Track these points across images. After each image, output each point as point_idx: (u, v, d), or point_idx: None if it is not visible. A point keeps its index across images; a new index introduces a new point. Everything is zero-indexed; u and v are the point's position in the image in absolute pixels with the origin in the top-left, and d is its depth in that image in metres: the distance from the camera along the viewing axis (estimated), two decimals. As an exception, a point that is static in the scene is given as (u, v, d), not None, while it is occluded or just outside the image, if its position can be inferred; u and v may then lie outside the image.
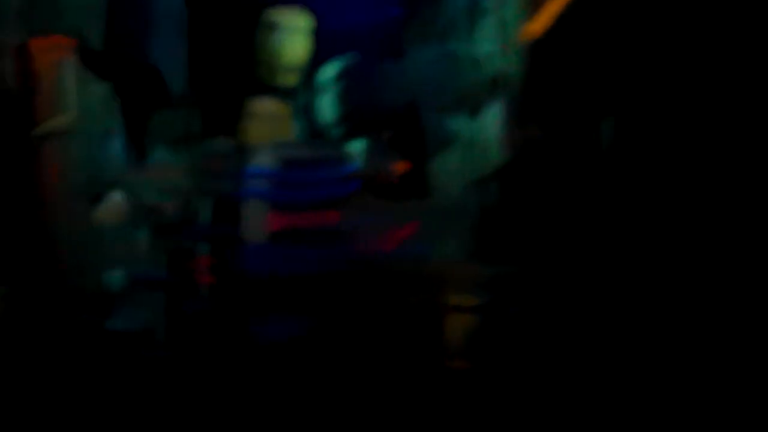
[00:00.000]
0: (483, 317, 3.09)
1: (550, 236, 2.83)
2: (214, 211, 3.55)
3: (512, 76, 3.02)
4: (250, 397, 2.93)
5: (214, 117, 3.92)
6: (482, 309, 3.11)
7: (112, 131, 3.13)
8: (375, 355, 2.99)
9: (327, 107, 3.95)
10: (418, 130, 3.97)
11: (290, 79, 4.04)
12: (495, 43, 3.18)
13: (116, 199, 3.10)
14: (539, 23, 2.72)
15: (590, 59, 2.42)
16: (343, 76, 3.92)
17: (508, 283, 3.03)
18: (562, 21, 2.59)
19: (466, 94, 3.63)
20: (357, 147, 3.82)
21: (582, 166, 2.55)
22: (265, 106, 4.00)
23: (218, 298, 3.26)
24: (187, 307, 3.27)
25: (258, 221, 3.10)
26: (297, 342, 3.01)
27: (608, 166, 2.39)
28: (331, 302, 3.05)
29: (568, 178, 2.66)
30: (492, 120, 3.23)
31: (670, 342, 2.19)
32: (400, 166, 3.86)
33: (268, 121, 3.98)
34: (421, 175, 3.88)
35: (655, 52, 2.13)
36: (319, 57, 4.03)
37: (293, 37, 4.02)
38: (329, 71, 3.96)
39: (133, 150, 3.41)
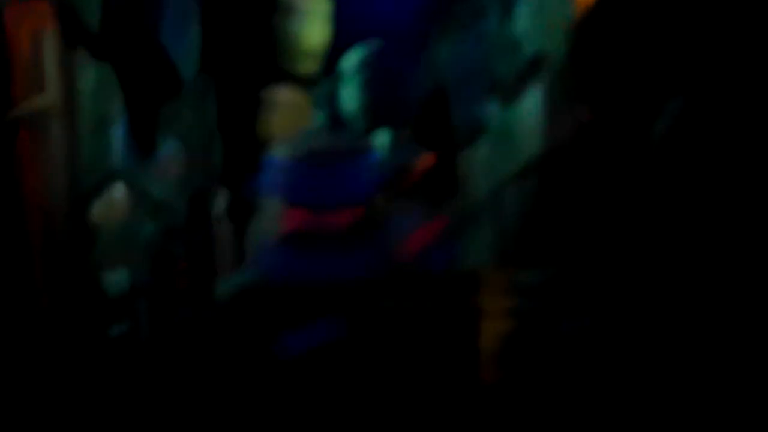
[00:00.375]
0: (518, 325, 2.94)
1: (595, 237, 2.65)
2: (227, 208, 3.49)
3: (556, 57, 2.80)
4: (269, 411, 2.84)
5: (228, 106, 3.88)
6: (517, 316, 2.95)
7: (110, 118, 2.95)
8: (404, 365, 2.87)
9: (350, 97, 3.81)
10: (447, 121, 3.90)
11: (310, 66, 3.98)
12: (535, 19, 2.96)
13: (117, 195, 2.94)
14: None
15: (651, 33, 2.18)
16: (367, 63, 3.77)
17: (546, 288, 2.87)
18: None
19: (501, 79, 3.48)
20: (381, 139, 3.67)
21: (638, 156, 2.33)
22: (283, 95, 3.95)
23: (231, 304, 3.13)
24: (195, 312, 3.15)
25: (274, 218, 2.94)
26: (318, 352, 2.87)
27: (669, 158, 2.17)
28: (355, 308, 2.90)
29: (620, 170, 2.44)
30: (530, 107, 3.04)
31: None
32: (427, 160, 3.79)
33: (286, 111, 3.94)
34: (450, 169, 3.81)
35: (735, 23, 1.87)
36: (341, 43, 3.94)
37: (311, 20, 3.96)
38: (352, 58, 3.82)
39: (138, 142, 3.25)
